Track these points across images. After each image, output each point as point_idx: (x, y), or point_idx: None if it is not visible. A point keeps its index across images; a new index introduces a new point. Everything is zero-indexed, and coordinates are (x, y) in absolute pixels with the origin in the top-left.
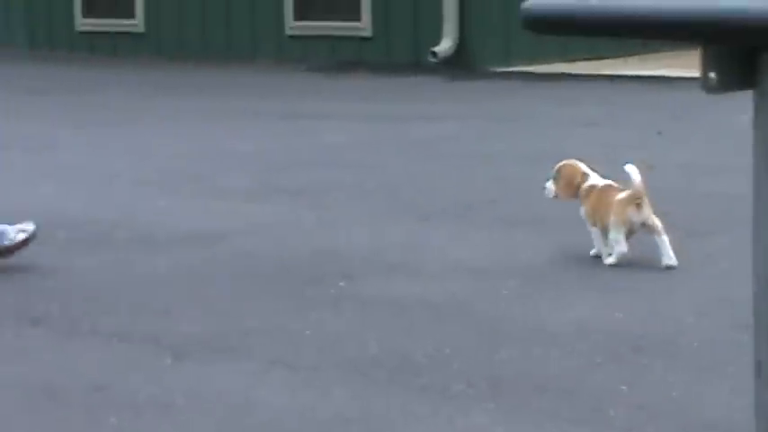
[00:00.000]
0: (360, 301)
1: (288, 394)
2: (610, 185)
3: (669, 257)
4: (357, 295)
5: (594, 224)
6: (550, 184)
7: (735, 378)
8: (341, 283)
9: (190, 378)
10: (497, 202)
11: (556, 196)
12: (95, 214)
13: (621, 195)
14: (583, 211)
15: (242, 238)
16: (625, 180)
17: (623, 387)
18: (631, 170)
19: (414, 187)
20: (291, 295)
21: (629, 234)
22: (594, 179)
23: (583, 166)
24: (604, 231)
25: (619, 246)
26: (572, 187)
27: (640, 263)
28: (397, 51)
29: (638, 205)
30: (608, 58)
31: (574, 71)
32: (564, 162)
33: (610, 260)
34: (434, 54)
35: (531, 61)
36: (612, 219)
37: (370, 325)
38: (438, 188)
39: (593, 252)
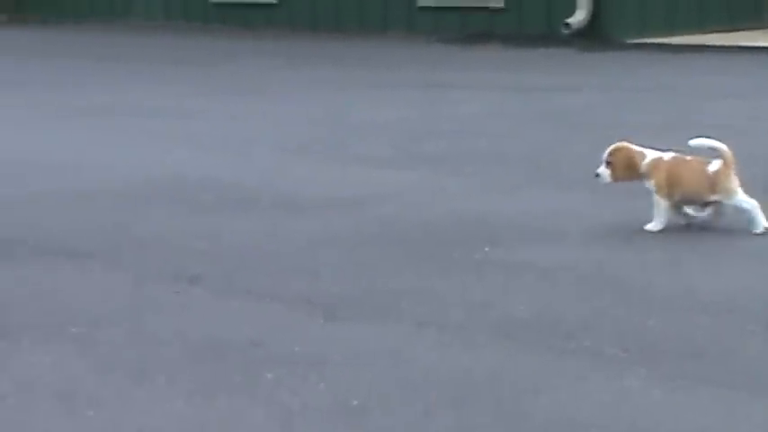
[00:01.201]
0: (504, 266)
1: (439, 353)
2: (676, 156)
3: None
4: (502, 260)
5: (671, 195)
6: (603, 170)
7: None
8: (486, 249)
9: (343, 337)
10: None
11: (614, 181)
12: (238, 179)
13: (717, 165)
14: (651, 183)
15: (385, 204)
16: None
17: None
18: (714, 143)
19: (551, 156)
20: (437, 259)
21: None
22: (653, 153)
23: (635, 147)
24: (684, 202)
25: (750, 203)
26: (632, 169)
27: None
28: (529, 23)
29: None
30: (744, 29)
31: (710, 42)
32: (616, 145)
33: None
34: (568, 25)
35: (666, 33)
36: (728, 185)
37: (516, 289)
38: (575, 157)
39: (651, 226)
